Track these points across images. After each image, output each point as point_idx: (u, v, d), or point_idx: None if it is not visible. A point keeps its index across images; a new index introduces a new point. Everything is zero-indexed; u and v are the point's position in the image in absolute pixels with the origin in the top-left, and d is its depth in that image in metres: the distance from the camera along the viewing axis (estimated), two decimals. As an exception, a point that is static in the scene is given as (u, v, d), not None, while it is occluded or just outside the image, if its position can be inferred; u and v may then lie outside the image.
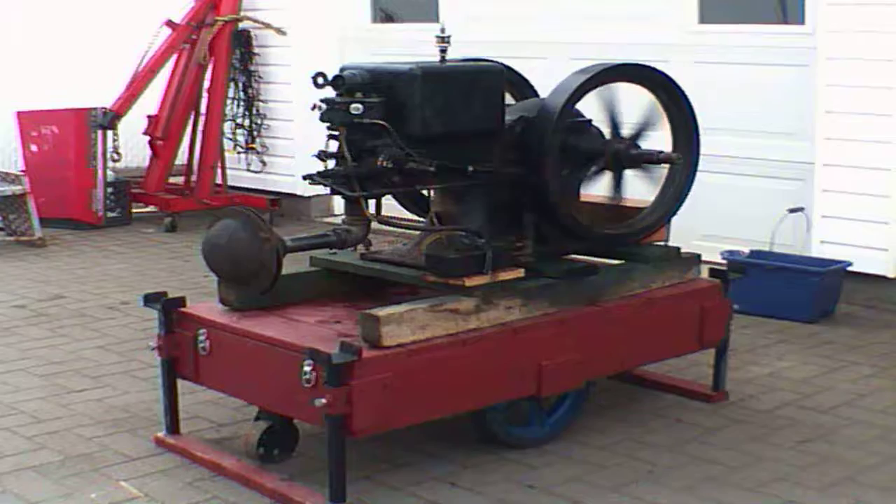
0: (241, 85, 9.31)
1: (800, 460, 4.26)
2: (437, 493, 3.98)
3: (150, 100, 8.98)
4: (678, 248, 4.85)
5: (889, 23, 6.01)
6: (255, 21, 9.14)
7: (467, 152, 4.21)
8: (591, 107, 4.55)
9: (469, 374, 4.02)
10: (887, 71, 6.04)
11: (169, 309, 4.34)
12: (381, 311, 3.86)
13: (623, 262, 4.72)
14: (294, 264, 4.38)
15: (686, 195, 4.79)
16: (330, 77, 4.06)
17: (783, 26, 6.92)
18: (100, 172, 8.75)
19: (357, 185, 4.08)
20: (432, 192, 4.43)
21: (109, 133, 8.76)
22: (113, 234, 8.64)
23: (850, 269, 6.23)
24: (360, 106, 4.02)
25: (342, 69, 4.12)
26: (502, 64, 4.63)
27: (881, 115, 6.09)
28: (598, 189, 4.69)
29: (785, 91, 6.78)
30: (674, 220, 4.87)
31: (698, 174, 4.80)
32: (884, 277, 6.29)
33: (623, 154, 4.53)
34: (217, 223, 4.10)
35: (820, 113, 6.38)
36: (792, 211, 6.59)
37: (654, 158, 4.56)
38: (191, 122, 9.15)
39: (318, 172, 4.12)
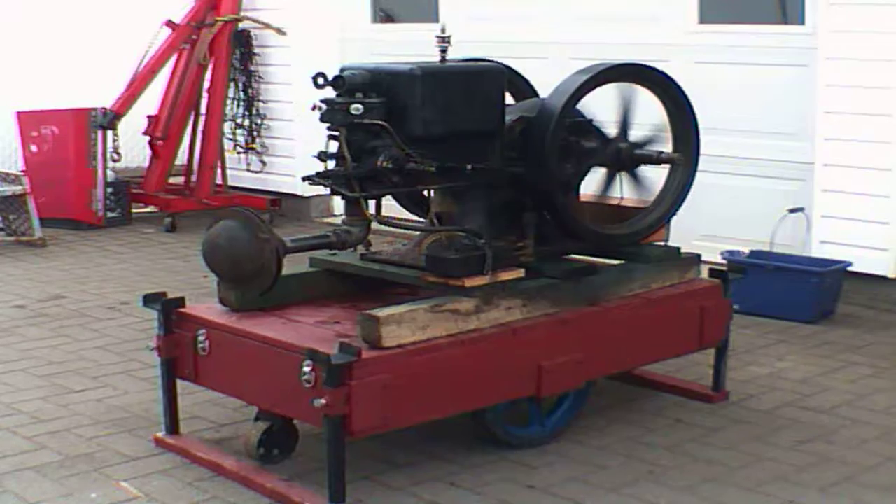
0: (241, 85, 9.31)
1: (800, 460, 4.26)
2: (437, 494, 3.98)
3: (150, 100, 8.98)
4: (678, 248, 4.86)
5: (889, 23, 6.01)
6: (255, 21, 9.14)
7: (467, 152, 4.21)
8: (591, 107, 4.55)
9: (469, 375, 4.02)
10: (887, 71, 6.04)
11: (168, 309, 4.33)
12: (381, 312, 3.86)
13: (623, 262, 4.72)
14: (294, 265, 4.38)
15: (686, 195, 4.79)
16: (330, 77, 4.06)
17: (783, 26, 6.92)
18: (100, 172, 8.75)
19: (357, 185, 4.08)
20: (432, 193, 4.43)
21: (109, 133, 8.76)
22: (113, 234, 8.64)
23: (850, 269, 6.23)
24: (360, 106, 4.02)
25: (342, 69, 4.12)
26: (502, 64, 4.63)
27: (881, 115, 6.09)
28: (598, 189, 4.69)
29: (785, 91, 6.77)
30: (674, 220, 4.87)
31: (698, 174, 4.80)
32: (884, 277, 6.29)
33: (623, 154, 4.53)
34: (217, 223, 4.10)
35: (820, 113, 6.38)
36: (792, 211, 6.59)
37: (654, 158, 4.56)
38: (191, 122, 9.15)
39: (318, 173, 4.12)
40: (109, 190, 8.89)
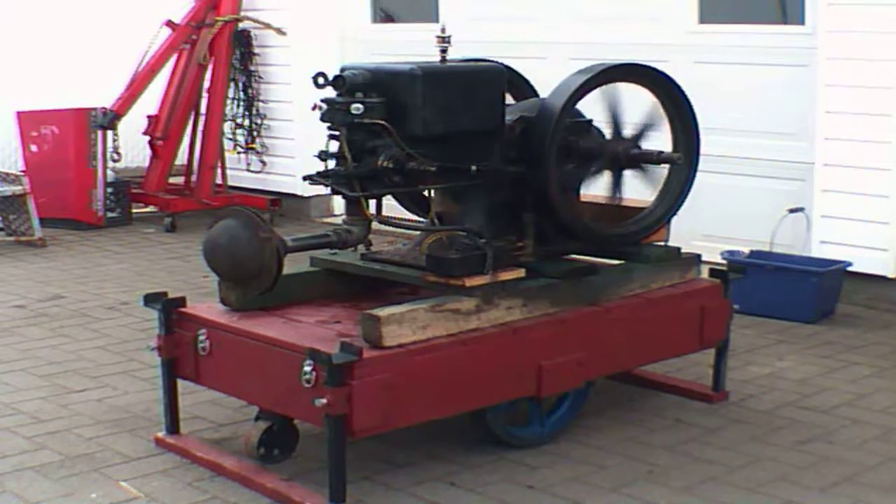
0: (241, 85, 9.31)
1: (800, 460, 4.26)
2: (437, 493, 3.98)
3: (150, 100, 8.98)
4: (678, 248, 4.86)
5: (889, 23, 6.02)
6: (255, 21, 9.15)
7: (468, 152, 4.21)
8: (592, 107, 4.55)
9: (469, 375, 4.02)
10: (887, 71, 6.04)
11: (169, 309, 4.34)
12: (382, 311, 3.87)
13: (623, 262, 4.72)
14: (294, 264, 4.38)
15: (686, 195, 4.79)
16: (331, 77, 4.06)
17: (783, 26, 6.92)
18: (100, 172, 8.74)
19: (357, 185, 4.08)
20: (433, 192, 4.43)
21: (109, 133, 8.76)
22: (113, 234, 8.64)
23: (850, 269, 6.23)
24: (360, 106, 4.02)
25: (343, 69, 4.12)
26: (502, 64, 4.63)
27: (881, 115, 6.09)
28: (598, 189, 4.69)
29: (785, 91, 6.78)
30: (674, 220, 4.87)
31: (698, 174, 4.80)
32: (884, 277, 6.29)
33: (623, 154, 4.53)
34: (218, 223, 4.10)
35: (820, 113, 6.38)
36: (792, 211, 6.59)
37: (654, 158, 4.56)
38: (191, 122, 9.15)
39: (319, 172, 4.13)
40: (109, 190, 8.89)
